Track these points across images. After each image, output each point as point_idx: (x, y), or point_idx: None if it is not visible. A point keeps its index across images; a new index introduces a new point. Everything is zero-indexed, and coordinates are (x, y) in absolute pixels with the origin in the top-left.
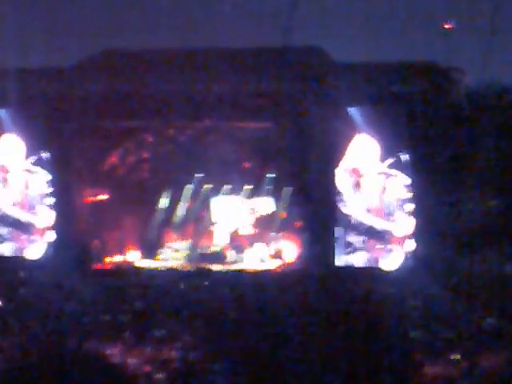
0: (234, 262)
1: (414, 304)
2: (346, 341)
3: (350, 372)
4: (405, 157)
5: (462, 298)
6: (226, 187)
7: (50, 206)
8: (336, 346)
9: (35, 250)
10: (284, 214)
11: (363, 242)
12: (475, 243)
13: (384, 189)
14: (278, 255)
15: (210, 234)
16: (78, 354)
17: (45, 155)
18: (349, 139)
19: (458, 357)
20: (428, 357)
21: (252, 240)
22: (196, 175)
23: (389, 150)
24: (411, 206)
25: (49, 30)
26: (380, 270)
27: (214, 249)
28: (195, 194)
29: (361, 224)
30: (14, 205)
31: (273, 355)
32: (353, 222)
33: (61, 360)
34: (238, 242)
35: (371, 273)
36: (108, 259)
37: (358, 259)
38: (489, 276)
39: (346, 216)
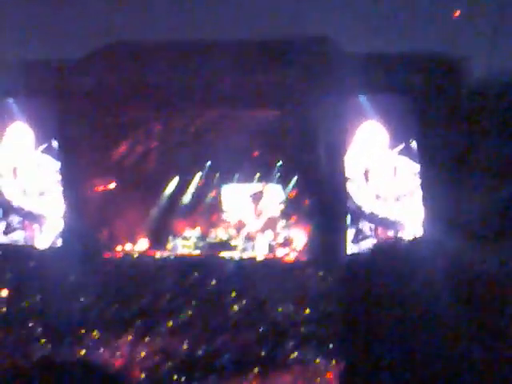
0: (244, 251)
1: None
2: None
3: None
4: (414, 144)
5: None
6: (236, 175)
7: (60, 195)
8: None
9: (45, 239)
10: (294, 202)
11: (372, 229)
12: (485, 234)
13: (393, 176)
14: (287, 243)
15: (219, 223)
16: (86, 346)
17: (54, 144)
18: (358, 127)
19: None
20: None
21: (262, 228)
22: (206, 164)
23: (398, 138)
24: (421, 194)
25: (57, 21)
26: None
27: (223, 237)
28: (205, 183)
29: (370, 211)
30: (23, 194)
31: (276, 346)
32: (362, 209)
33: (69, 352)
34: (247, 230)
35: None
36: (117, 248)
37: (367, 247)
38: (497, 270)
39: (356, 203)
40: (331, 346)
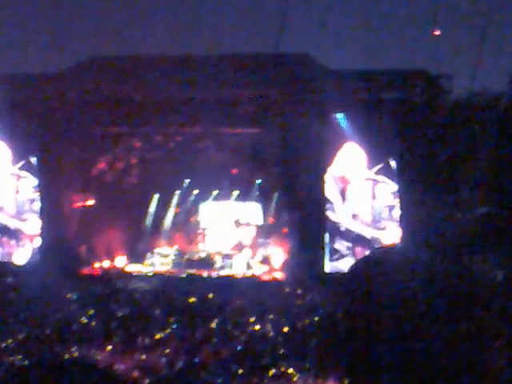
0: (222, 268)
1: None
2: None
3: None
4: (392, 163)
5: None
6: (215, 193)
7: (38, 212)
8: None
9: (23, 255)
10: (272, 220)
11: (349, 248)
12: (462, 251)
13: (371, 195)
14: (266, 261)
15: (197, 240)
16: (65, 361)
17: (32, 160)
18: (337, 146)
19: None
20: None
21: (240, 246)
22: (185, 181)
23: (377, 157)
24: (399, 213)
25: (36, 35)
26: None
27: (201, 254)
28: (184, 200)
29: (348, 231)
30: (1, 210)
31: (262, 359)
32: (340, 228)
33: (48, 367)
34: (225, 248)
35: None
36: (96, 264)
37: (345, 265)
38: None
39: (334, 223)
40: (309, 362)
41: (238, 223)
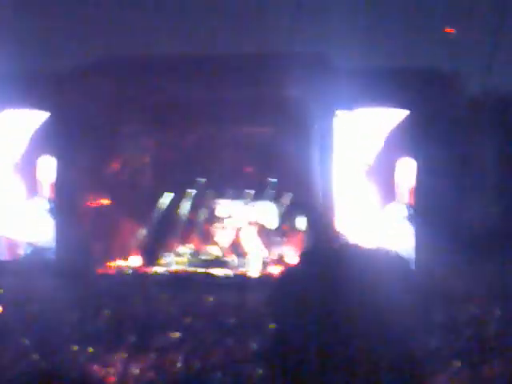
0: (236, 267)
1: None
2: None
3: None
4: (409, 161)
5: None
6: (229, 192)
7: (52, 211)
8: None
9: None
10: (286, 219)
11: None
12: (477, 250)
13: (387, 193)
14: (281, 260)
15: (212, 239)
16: (79, 362)
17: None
18: (352, 144)
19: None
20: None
21: (254, 245)
22: (200, 180)
23: (392, 154)
24: (415, 211)
25: (55, 34)
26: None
27: (216, 254)
28: (198, 199)
29: (362, 228)
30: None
31: (277, 359)
32: (354, 226)
33: (61, 369)
34: (240, 247)
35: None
36: (110, 264)
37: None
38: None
39: (348, 221)
40: None
41: (252, 222)
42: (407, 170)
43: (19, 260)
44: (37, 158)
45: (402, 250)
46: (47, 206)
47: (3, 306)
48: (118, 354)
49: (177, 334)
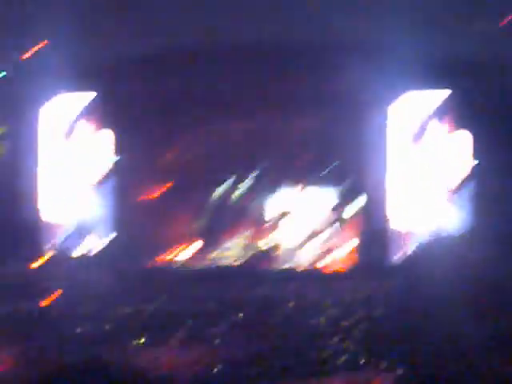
0: (291, 259)
1: None
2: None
3: None
4: (469, 140)
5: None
6: (286, 181)
7: (108, 201)
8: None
9: (91, 246)
10: (343, 209)
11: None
12: None
13: (446, 175)
14: (334, 252)
15: (265, 232)
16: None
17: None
18: (410, 127)
19: None
20: None
21: (310, 236)
22: (253, 170)
23: (448, 134)
24: (474, 193)
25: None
26: None
27: (268, 246)
28: (252, 189)
29: (419, 215)
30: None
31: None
32: (412, 213)
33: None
34: (295, 238)
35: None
36: (164, 255)
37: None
38: None
39: (405, 208)
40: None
41: (305, 213)
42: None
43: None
44: (93, 143)
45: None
46: (104, 191)
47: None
48: (169, 343)
49: (225, 327)
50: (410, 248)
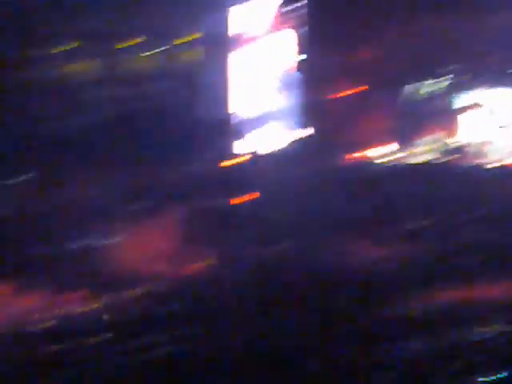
0: (485, 156)
1: None
2: None
3: None
4: None
5: None
6: (477, 78)
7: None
8: None
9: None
10: None
11: None
12: None
13: None
14: None
15: (462, 126)
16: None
17: None
18: None
19: None
20: None
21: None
22: (452, 66)
23: None
24: None
25: None
26: None
27: (463, 142)
28: (451, 86)
29: None
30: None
31: None
32: None
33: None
34: (488, 135)
35: None
36: (357, 153)
37: None
38: None
39: None
40: None
41: (497, 111)
42: None
43: None
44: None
45: None
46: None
47: None
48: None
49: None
50: None
